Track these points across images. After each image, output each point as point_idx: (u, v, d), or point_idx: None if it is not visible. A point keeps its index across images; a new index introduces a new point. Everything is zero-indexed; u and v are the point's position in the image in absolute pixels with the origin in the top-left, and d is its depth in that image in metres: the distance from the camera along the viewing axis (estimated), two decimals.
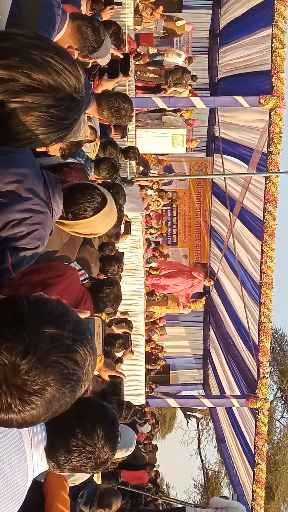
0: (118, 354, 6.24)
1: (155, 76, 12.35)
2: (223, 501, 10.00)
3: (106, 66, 4.06)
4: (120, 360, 6.26)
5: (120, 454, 4.65)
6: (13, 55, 1.26)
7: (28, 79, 1.26)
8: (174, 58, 11.92)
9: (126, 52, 9.12)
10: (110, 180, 5.08)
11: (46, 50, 1.30)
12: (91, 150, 4.69)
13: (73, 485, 2.78)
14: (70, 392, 1.15)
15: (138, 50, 11.66)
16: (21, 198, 1.78)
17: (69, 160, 3.38)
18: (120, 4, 9.26)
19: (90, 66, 4.57)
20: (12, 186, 1.76)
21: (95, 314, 3.46)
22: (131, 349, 6.38)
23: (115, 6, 6.02)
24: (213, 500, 11.19)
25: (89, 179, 3.93)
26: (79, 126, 2.55)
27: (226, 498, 10.81)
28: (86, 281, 4.01)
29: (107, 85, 4.26)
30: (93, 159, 4.64)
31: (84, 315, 1.64)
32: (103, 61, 3.59)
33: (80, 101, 1.38)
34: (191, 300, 13.85)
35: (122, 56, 4.47)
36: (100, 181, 4.67)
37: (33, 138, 1.36)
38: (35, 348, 1.07)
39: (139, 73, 11.99)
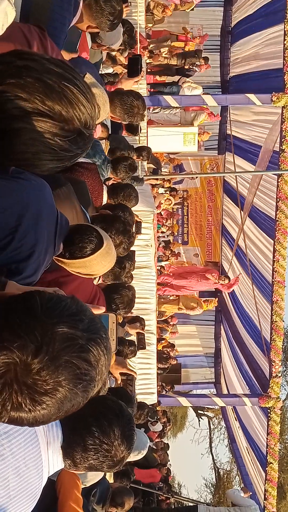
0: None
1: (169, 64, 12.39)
2: (238, 497, 9.93)
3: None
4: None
5: (133, 457, 4.66)
6: (31, 76, 1.26)
7: (40, 103, 1.25)
8: (191, 90, 11.86)
9: (138, 52, 9.13)
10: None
11: (66, 80, 1.29)
12: (99, 142, 4.68)
13: (84, 486, 2.79)
14: (83, 392, 1.13)
15: (149, 47, 11.66)
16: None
17: (83, 159, 3.39)
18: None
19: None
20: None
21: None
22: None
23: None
24: (229, 492, 11.15)
25: (105, 180, 3.93)
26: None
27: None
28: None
29: (127, 83, 4.26)
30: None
31: (98, 311, 1.63)
32: (116, 46, 3.57)
33: (88, 138, 1.37)
34: (203, 300, 13.81)
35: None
36: (116, 181, 4.66)
37: (30, 162, 1.35)
38: (47, 347, 1.05)
39: (149, 70, 12.00)
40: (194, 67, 12.39)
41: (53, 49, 2.24)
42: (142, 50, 10.18)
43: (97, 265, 2.39)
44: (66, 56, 3.27)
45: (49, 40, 2.22)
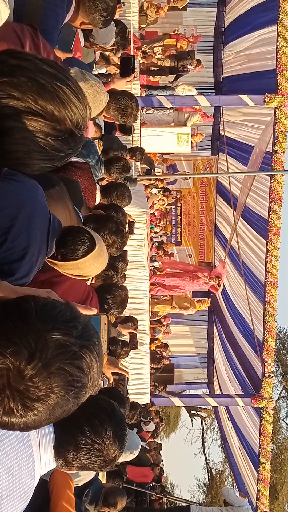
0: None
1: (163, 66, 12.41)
2: (232, 495, 9.93)
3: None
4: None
5: (125, 457, 4.66)
6: (24, 75, 1.26)
7: (33, 103, 1.26)
8: (185, 93, 11.87)
9: (132, 52, 9.14)
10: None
11: (59, 81, 1.30)
12: (93, 142, 4.68)
13: (76, 485, 2.79)
14: (74, 399, 1.14)
15: (143, 48, 11.66)
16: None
17: (76, 159, 3.39)
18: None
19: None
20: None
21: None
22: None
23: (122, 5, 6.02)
24: (223, 490, 11.16)
25: (98, 180, 3.93)
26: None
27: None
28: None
29: (119, 83, 4.26)
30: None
31: (90, 312, 1.64)
32: (109, 45, 3.57)
33: (79, 139, 1.38)
34: (196, 300, 13.82)
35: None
36: (109, 181, 4.66)
37: (21, 161, 1.35)
38: (41, 354, 1.06)
39: (143, 69, 12.01)
40: (187, 67, 12.42)
41: (45, 48, 2.25)
42: (135, 50, 10.19)
43: (89, 267, 2.39)
44: (61, 55, 3.27)
45: (41, 39, 2.22)
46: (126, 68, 4.17)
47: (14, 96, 1.25)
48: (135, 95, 4.49)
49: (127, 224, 4.47)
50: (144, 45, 12.28)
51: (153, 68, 12.60)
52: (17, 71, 1.27)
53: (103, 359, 1.27)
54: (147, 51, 12.15)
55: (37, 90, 1.26)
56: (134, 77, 5.79)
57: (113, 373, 3.98)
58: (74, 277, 2.44)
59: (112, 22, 3.40)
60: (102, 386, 3.84)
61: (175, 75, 12.72)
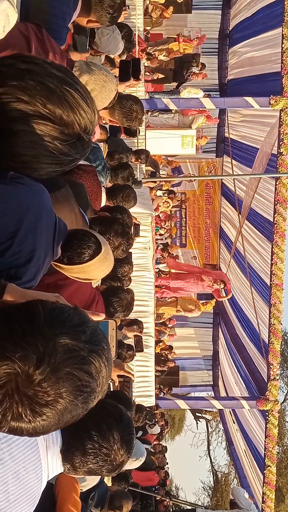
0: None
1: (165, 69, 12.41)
2: (242, 496, 9.90)
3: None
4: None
5: (131, 463, 4.66)
6: (32, 79, 1.26)
7: (42, 106, 1.26)
8: (190, 96, 11.86)
9: (137, 55, 9.15)
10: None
11: (68, 85, 1.30)
12: (100, 148, 4.68)
13: (81, 491, 2.78)
14: (83, 404, 1.13)
15: (148, 50, 11.68)
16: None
17: (82, 162, 3.39)
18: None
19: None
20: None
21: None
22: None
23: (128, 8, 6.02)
24: (235, 488, 11.12)
25: (103, 186, 3.93)
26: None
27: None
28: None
29: (119, 87, 4.25)
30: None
31: (98, 318, 1.63)
32: (115, 53, 3.57)
33: (87, 143, 1.38)
34: (201, 302, 13.79)
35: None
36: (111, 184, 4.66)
37: (29, 164, 1.35)
38: (49, 358, 1.05)
39: (147, 74, 12.01)
40: (191, 74, 12.40)
41: (51, 44, 2.26)
42: (140, 52, 10.20)
43: (95, 270, 2.38)
44: (78, 57, 3.28)
45: (46, 35, 2.24)
46: (125, 72, 4.16)
47: (23, 100, 1.25)
48: (140, 98, 4.49)
49: (132, 226, 4.46)
50: (149, 48, 12.30)
51: (157, 76, 12.59)
52: (26, 75, 1.27)
53: (112, 363, 1.27)
54: (152, 53, 12.16)
55: (46, 94, 1.26)
56: (139, 80, 5.79)
57: (118, 376, 3.98)
58: (80, 281, 2.44)
59: (117, 31, 3.40)
60: (108, 389, 3.84)
61: (178, 83, 12.71)
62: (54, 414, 1.08)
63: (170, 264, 13.86)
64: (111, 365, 1.22)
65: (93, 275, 2.41)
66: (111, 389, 3.93)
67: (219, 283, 12.86)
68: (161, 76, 12.61)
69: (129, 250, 3.77)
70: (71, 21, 2.66)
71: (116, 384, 3.94)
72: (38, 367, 1.04)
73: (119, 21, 5.33)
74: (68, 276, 2.50)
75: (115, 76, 6.27)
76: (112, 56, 3.83)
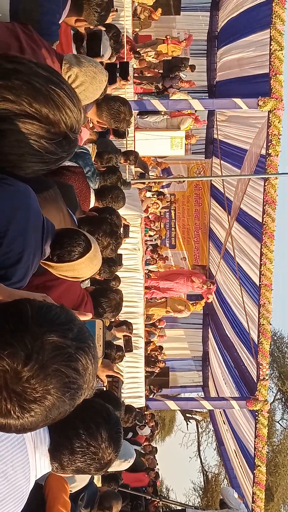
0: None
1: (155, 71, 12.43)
2: (231, 496, 9.93)
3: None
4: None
5: (119, 464, 4.67)
6: (18, 78, 1.27)
7: (28, 106, 1.27)
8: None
9: (125, 55, 9.16)
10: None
11: (54, 84, 1.31)
12: (90, 153, 4.68)
13: (70, 492, 2.78)
14: (70, 400, 1.15)
15: (138, 49, 11.68)
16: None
17: (70, 163, 3.39)
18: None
19: None
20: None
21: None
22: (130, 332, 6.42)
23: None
24: (224, 488, 11.16)
25: (92, 189, 3.93)
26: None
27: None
28: (86, 281, 4.02)
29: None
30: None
31: (85, 318, 1.64)
32: (103, 58, 3.58)
33: (73, 142, 1.39)
34: (191, 302, 13.83)
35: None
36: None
37: (15, 163, 1.36)
38: (37, 355, 1.07)
39: (136, 74, 12.03)
40: (179, 81, 12.43)
41: (40, 39, 2.28)
42: (129, 51, 10.20)
43: (84, 268, 2.39)
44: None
45: (33, 31, 2.26)
46: (110, 75, 4.16)
47: (9, 99, 1.26)
48: (129, 100, 4.50)
49: (121, 227, 4.47)
50: (138, 48, 12.31)
51: (146, 76, 12.61)
52: (12, 75, 1.28)
53: (98, 360, 1.28)
54: (141, 53, 12.16)
55: (32, 93, 1.27)
56: (128, 80, 5.79)
57: (107, 376, 3.99)
58: (68, 279, 2.44)
59: (106, 36, 3.41)
60: (97, 389, 3.85)
61: (164, 87, 12.73)
62: (42, 410, 1.10)
63: (161, 276, 13.77)
64: (97, 363, 1.24)
65: (82, 273, 2.42)
66: (101, 389, 3.94)
67: (209, 284, 12.94)
68: (150, 74, 12.63)
69: (119, 252, 3.79)
70: (62, 19, 2.67)
71: (105, 384, 3.95)
72: (26, 364, 1.06)
73: (107, 22, 5.34)
74: (57, 276, 2.51)
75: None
76: (102, 60, 3.84)
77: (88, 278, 4.12)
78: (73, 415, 1.24)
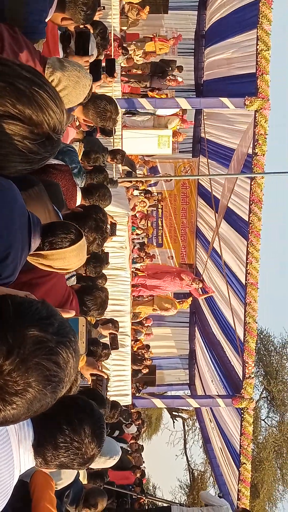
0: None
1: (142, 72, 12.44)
2: (210, 496, 10.06)
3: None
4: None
5: (103, 461, 4.68)
6: (2, 80, 1.29)
7: (11, 107, 1.28)
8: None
9: (112, 52, 9.15)
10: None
11: (37, 86, 1.33)
12: (76, 151, 4.68)
13: (56, 489, 2.79)
14: (51, 393, 1.17)
15: (124, 44, 11.65)
16: None
17: (55, 161, 3.40)
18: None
19: None
20: None
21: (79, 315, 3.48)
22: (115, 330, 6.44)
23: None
24: (202, 494, 11.25)
25: (78, 187, 3.94)
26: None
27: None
28: (73, 278, 4.02)
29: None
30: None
31: (68, 315, 1.66)
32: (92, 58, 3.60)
33: (56, 142, 1.41)
34: (178, 300, 13.88)
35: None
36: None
37: None
38: (19, 349, 1.09)
39: (124, 72, 12.02)
40: (167, 80, 12.45)
41: (25, 41, 2.29)
42: (117, 48, 10.19)
43: (75, 257, 2.41)
44: (79, 60, 3.30)
45: (19, 33, 2.27)
46: (95, 72, 4.16)
47: None
48: (116, 98, 4.51)
49: (108, 224, 4.47)
50: (125, 44, 12.30)
51: (133, 73, 12.60)
52: None
53: (79, 355, 1.30)
54: (129, 50, 12.14)
55: (15, 95, 1.28)
56: (114, 77, 5.79)
57: (91, 374, 4.01)
58: (55, 270, 2.45)
59: (92, 37, 3.41)
60: (82, 387, 3.86)
61: (152, 88, 12.76)
62: (23, 403, 1.12)
63: (149, 274, 13.77)
64: (79, 357, 1.26)
65: (71, 263, 2.43)
66: (86, 387, 3.95)
67: (197, 282, 12.98)
68: (139, 71, 12.62)
69: (106, 250, 3.80)
70: (48, 17, 2.68)
71: (89, 382, 3.97)
72: (7, 358, 1.08)
73: (93, 19, 5.33)
74: (44, 274, 2.51)
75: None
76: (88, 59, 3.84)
77: (74, 275, 4.14)
78: (57, 410, 1.27)
